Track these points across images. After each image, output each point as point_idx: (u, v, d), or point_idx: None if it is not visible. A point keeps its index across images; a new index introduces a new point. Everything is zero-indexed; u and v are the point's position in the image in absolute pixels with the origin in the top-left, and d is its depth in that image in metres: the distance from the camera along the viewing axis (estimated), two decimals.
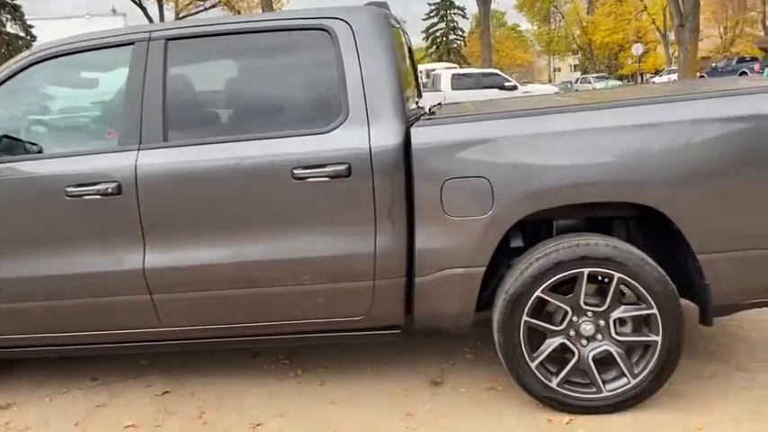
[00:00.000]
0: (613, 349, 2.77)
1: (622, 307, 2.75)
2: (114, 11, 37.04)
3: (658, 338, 2.72)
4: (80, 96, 3.27)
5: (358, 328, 2.96)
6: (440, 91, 17.09)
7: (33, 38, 36.00)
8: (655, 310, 2.69)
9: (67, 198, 2.84)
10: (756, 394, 2.91)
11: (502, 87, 17.46)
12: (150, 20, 32.49)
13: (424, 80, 20.30)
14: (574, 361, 2.79)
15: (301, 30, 2.87)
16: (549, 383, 2.80)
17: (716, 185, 2.65)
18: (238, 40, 2.94)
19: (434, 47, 61.56)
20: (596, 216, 2.95)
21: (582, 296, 2.73)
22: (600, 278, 2.73)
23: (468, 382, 3.17)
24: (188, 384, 3.36)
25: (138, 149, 2.84)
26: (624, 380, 2.78)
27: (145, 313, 2.95)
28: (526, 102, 3.99)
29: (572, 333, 2.79)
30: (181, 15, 32.41)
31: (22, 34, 36.30)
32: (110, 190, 2.80)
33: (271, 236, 2.82)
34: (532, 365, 2.79)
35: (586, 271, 2.69)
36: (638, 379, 2.76)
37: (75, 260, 2.92)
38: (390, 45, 2.82)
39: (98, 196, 2.82)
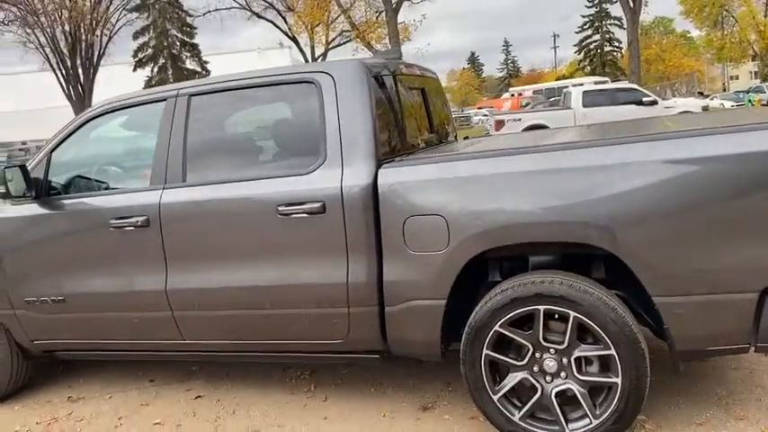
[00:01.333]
0: (576, 388, 2.79)
1: (582, 346, 2.76)
2: (281, 44, 40.04)
3: (618, 380, 2.69)
4: (126, 144, 3.87)
5: (341, 351, 3.22)
6: (570, 109, 16.73)
7: (208, 72, 39.97)
8: (612, 351, 2.68)
9: (111, 228, 3.41)
10: None
11: (640, 103, 16.42)
12: (303, 53, 34.58)
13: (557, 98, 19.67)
14: (536, 397, 2.84)
15: (294, 83, 3.23)
16: (511, 417, 2.87)
17: (664, 227, 2.59)
18: (242, 95, 3.37)
19: (588, 60, 59.38)
20: (574, 254, 2.97)
21: (540, 333, 2.78)
22: (557, 316, 2.76)
23: (455, 410, 3.29)
24: (218, 391, 3.82)
25: (163, 189, 3.35)
26: (587, 420, 2.78)
27: (170, 327, 3.44)
28: (529, 138, 4.00)
29: (535, 369, 2.84)
30: (330, 46, 34.34)
31: (198, 69, 40.47)
32: (140, 223, 3.33)
33: (261, 264, 3.19)
34: (495, 398, 2.88)
35: (542, 308, 2.74)
36: (599, 420, 2.75)
37: (118, 280, 3.49)
38: (367, 94, 3.06)
39: (132, 228, 3.36)
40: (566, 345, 2.77)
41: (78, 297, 3.58)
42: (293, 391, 3.72)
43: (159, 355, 3.72)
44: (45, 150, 3.67)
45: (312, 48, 34.73)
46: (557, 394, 2.81)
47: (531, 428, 2.85)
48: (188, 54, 41.04)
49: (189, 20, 39.51)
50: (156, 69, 40.52)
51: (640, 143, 2.70)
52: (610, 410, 2.73)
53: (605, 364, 2.75)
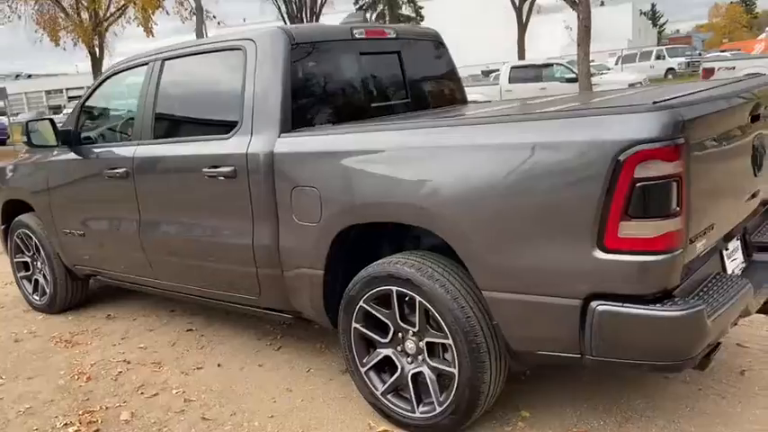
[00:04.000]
0: (427, 373, 2.72)
1: (431, 331, 2.66)
2: None
3: (455, 371, 2.57)
4: (124, 102, 4.35)
5: (260, 307, 3.43)
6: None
7: (422, 18, 40.62)
8: (449, 341, 2.56)
9: (106, 177, 3.94)
10: None
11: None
12: None
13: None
14: (396, 375, 2.82)
15: (228, 50, 3.39)
16: (374, 391, 2.89)
17: (485, 219, 2.35)
18: (193, 61, 3.62)
19: None
20: None
21: (397, 314, 2.74)
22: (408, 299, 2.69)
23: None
24: (207, 329, 4.28)
25: (138, 144, 3.79)
26: (432, 406, 2.71)
27: (145, 264, 3.94)
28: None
29: (399, 348, 2.81)
30: None
31: (413, 15, 41.28)
32: (121, 173, 3.82)
33: (193, 218, 3.51)
34: (362, 370, 2.92)
35: (394, 289, 2.69)
36: (441, 408, 2.67)
37: (113, 221, 4.06)
38: (281, 63, 3.12)
39: (118, 177, 3.85)
40: (417, 328, 2.69)
41: (91, 232, 4.24)
42: (260, 337, 4.04)
43: (145, 288, 4.23)
44: (78, 103, 4.33)
45: None
46: (413, 375, 2.76)
47: (390, 404, 2.84)
48: (405, 0, 41.94)
49: None
50: (374, 16, 42.10)
51: (459, 126, 2.46)
52: (449, 401, 2.63)
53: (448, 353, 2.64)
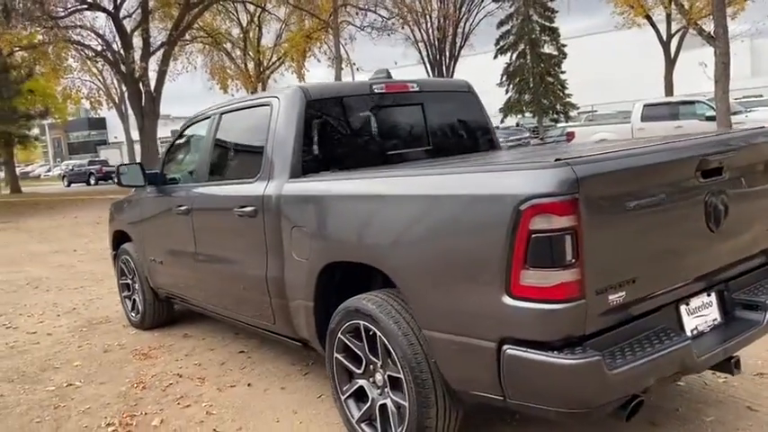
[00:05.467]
0: (389, 404, 2.91)
1: (390, 365, 2.86)
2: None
3: (406, 404, 2.75)
4: (192, 148, 4.98)
5: (276, 333, 3.80)
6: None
7: (565, 56, 39.87)
8: (401, 375, 2.75)
9: (176, 214, 4.58)
10: None
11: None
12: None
13: None
14: (367, 405, 3.04)
15: (261, 106, 3.87)
16: (351, 418, 3.13)
17: (418, 261, 2.54)
18: (238, 115, 4.15)
19: None
20: None
21: (366, 347, 2.97)
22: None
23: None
24: (255, 352, 4.74)
25: (196, 186, 4.38)
26: None
27: (198, 290, 4.51)
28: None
29: (371, 379, 3.04)
30: None
31: (555, 53, 40.59)
32: (184, 210, 4.43)
33: (228, 250, 4.00)
34: (342, 398, 3.17)
35: (362, 323, 2.94)
36: None
37: (181, 251, 4.67)
38: (295, 116, 3.53)
39: (183, 213, 4.47)
40: (380, 362, 2.91)
41: (166, 260, 4.90)
42: (294, 362, 4.41)
43: (202, 311, 4.78)
44: (165, 149, 5.05)
45: None
46: (380, 406, 2.97)
47: (358, 430, 3.06)
48: (546, 38, 41.48)
49: (550, 4, 39.86)
50: (514, 56, 42.01)
51: (397, 177, 2.67)
52: (407, 429, 2.79)
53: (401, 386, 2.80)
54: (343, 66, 25.07)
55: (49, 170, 63.72)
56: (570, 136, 18.46)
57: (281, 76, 34.32)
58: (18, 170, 41.64)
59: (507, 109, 39.00)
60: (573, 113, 38.31)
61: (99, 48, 25.51)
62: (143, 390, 4.20)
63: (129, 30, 24.82)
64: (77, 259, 10.20)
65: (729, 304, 2.78)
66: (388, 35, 27.83)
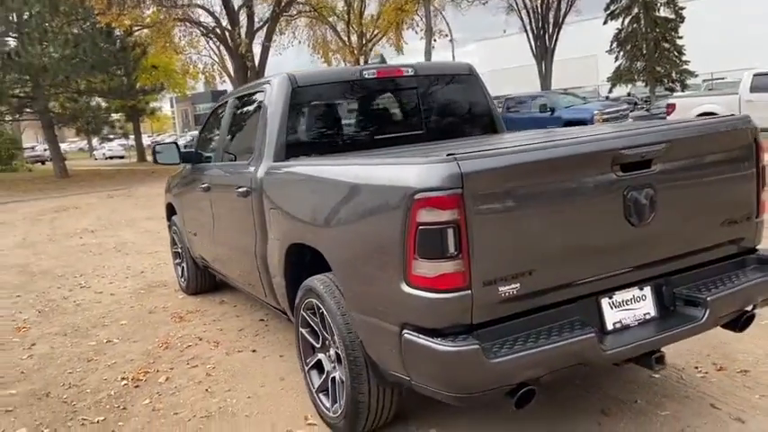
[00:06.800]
0: (338, 377, 3.11)
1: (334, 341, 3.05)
2: None
3: (344, 377, 2.93)
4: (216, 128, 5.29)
5: (276, 308, 4.07)
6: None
7: (682, 19, 37.17)
8: (340, 351, 2.93)
9: (201, 191, 4.95)
10: None
11: None
12: None
13: None
14: (323, 377, 3.26)
15: (259, 92, 4.09)
16: (312, 387, 3.36)
17: (341, 247, 2.68)
18: (243, 100, 4.40)
19: None
20: None
21: (319, 323, 3.18)
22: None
23: None
24: (275, 321, 5.08)
25: (213, 165, 4.73)
26: (338, 407, 3.09)
27: (216, 260, 4.88)
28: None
29: (327, 354, 3.25)
30: None
31: (672, 17, 37.86)
32: (205, 187, 4.79)
33: (232, 228, 4.30)
34: (306, 369, 3.41)
35: (314, 301, 3.14)
36: (340, 411, 3.05)
37: (207, 224, 5.07)
38: (281, 102, 3.72)
39: (204, 191, 4.83)
40: (330, 337, 3.10)
41: (198, 233, 5.31)
42: None
43: (224, 279, 5.17)
44: (199, 129, 5.45)
45: None
46: (332, 378, 3.17)
47: (319, 401, 3.28)
48: (663, 1, 38.73)
49: None
50: (626, 21, 39.64)
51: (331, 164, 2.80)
52: (343, 405, 2.99)
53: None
54: (436, 38, 24.87)
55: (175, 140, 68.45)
56: (670, 108, 17.37)
57: (382, 49, 34.56)
58: (150, 140, 45.13)
59: (616, 78, 37.07)
60: (690, 82, 35.78)
61: (211, 25, 26.92)
62: (165, 349, 4.66)
63: (236, 7, 25.94)
64: (164, 225, 11.04)
65: (668, 299, 2.71)
66: (483, 4, 27.21)
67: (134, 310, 5.83)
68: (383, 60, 5.83)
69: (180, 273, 6.32)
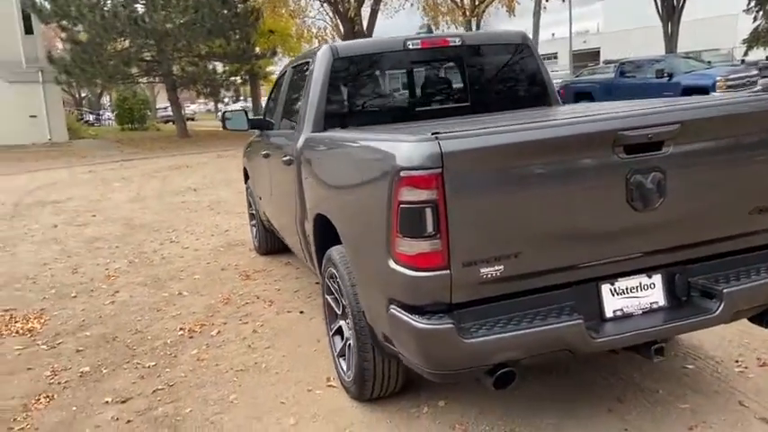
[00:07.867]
0: (352, 343, 3.22)
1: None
2: None
3: (352, 337, 3.04)
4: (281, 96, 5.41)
5: (316, 273, 4.23)
6: None
7: None
8: (349, 318, 3.04)
9: (262, 157, 5.18)
10: None
11: None
12: None
13: None
14: (342, 343, 3.38)
15: (307, 63, 4.18)
16: (334, 352, 3.50)
17: (346, 220, 2.74)
18: (296, 69, 4.50)
19: None
20: None
21: (338, 291, 3.29)
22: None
23: None
24: None
25: (273, 132, 4.92)
26: (351, 372, 3.21)
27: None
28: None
29: (346, 321, 3.36)
30: None
31: None
32: (265, 154, 5.01)
33: (281, 192, 4.48)
34: (330, 334, 3.55)
35: (333, 270, 3.25)
36: (352, 376, 3.17)
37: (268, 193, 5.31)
38: (322, 74, 3.80)
39: (264, 158, 5.06)
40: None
41: (263, 197, 5.57)
42: None
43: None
44: (268, 96, 5.67)
45: None
46: (349, 344, 3.29)
47: (338, 364, 3.42)
48: None
49: None
50: None
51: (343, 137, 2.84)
52: (353, 370, 3.10)
53: None
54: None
55: None
56: None
57: (496, 10, 33.52)
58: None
59: (753, 40, 33.88)
60: None
61: None
62: (225, 305, 4.98)
63: None
64: None
65: (682, 289, 2.56)
66: None
67: (209, 266, 6.24)
68: (429, 30, 5.69)
69: (254, 233, 6.66)
